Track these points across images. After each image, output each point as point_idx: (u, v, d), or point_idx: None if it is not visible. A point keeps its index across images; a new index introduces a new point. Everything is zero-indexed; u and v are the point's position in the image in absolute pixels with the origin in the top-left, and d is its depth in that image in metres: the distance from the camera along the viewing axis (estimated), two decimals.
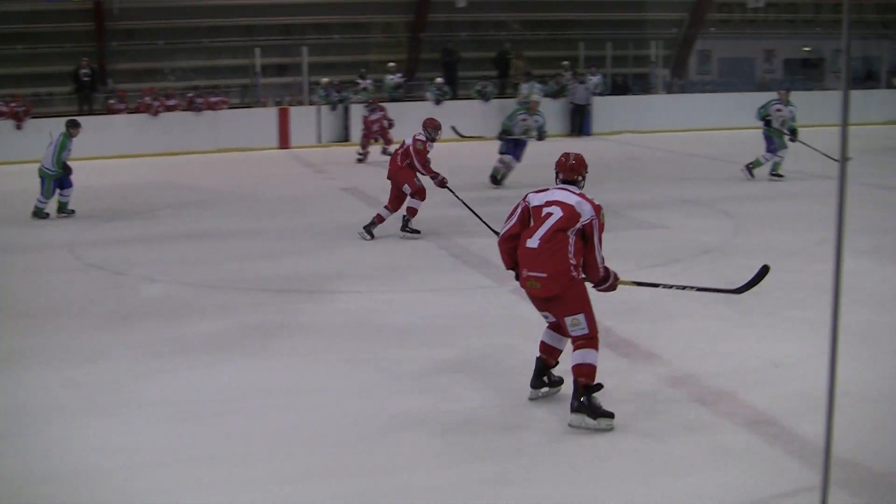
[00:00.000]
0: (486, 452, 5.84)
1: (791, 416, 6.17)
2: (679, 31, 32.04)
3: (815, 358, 5.97)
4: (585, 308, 6.24)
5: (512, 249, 6.45)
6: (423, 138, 12.62)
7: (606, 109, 27.07)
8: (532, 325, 7.09)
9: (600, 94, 27.20)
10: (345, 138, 25.04)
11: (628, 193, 15.68)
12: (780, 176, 17.17)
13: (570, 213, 6.22)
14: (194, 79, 27.40)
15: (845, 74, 4.45)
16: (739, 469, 5.50)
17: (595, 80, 27.33)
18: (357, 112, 24.23)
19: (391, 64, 27.44)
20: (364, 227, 12.55)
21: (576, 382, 6.19)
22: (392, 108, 22.71)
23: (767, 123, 17.26)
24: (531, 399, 6.64)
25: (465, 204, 12.09)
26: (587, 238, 6.23)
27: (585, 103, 26.48)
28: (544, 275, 6.20)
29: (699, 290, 7.22)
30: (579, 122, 26.48)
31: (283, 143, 24.67)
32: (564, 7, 30.64)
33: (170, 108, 24.04)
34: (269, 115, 24.95)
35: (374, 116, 21.91)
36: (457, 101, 26.60)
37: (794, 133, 17.14)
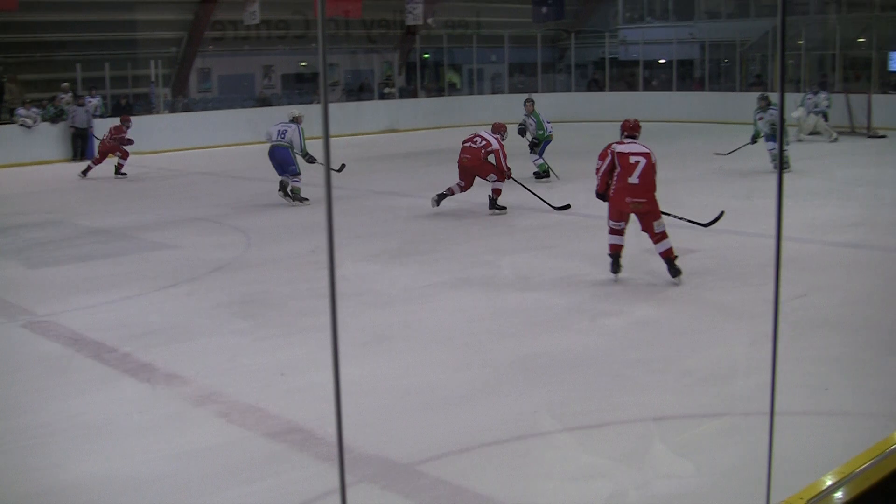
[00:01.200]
0: None
1: (316, 421, 6.28)
2: (178, 49, 31.84)
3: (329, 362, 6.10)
4: (660, 216, 9.91)
5: (606, 183, 10.15)
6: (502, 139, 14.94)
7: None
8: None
9: (100, 117, 26.35)
10: None
11: (137, 215, 15.32)
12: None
13: (651, 159, 9.98)
14: None
15: (323, 89, 4.55)
16: (272, 480, 5.52)
17: (94, 101, 26.47)
18: None
19: None
20: (437, 195, 14.81)
21: (668, 260, 9.89)
22: None
23: None
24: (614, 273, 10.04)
25: (528, 189, 14.91)
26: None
27: (86, 126, 25.55)
28: (645, 200, 9.88)
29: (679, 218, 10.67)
30: (81, 146, 25.50)
31: None
32: (57, 28, 29.37)
33: None
34: None
35: None
36: None
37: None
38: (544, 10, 27.46)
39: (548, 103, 32.75)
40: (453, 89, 37.23)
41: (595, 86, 37.04)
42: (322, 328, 8.44)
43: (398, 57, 36.18)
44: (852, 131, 26.06)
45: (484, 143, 14.77)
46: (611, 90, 35.53)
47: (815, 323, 8.31)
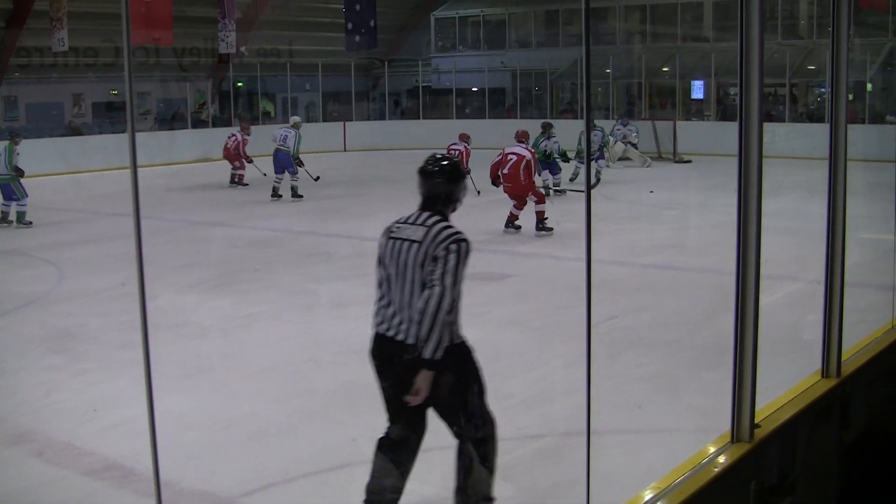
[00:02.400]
0: None
1: (135, 457, 6.16)
2: None
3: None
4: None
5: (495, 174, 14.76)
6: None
7: None
8: None
9: None
10: None
11: None
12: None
13: (522, 158, 14.39)
14: None
15: (130, 118, 4.53)
16: None
17: None
18: None
19: None
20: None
21: (538, 220, 14.19)
22: None
23: None
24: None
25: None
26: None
27: None
28: (510, 185, 14.54)
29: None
30: None
31: None
32: None
33: None
34: None
35: None
36: None
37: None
38: (357, 38, 27.59)
39: (362, 132, 33.08)
40: (268, 118, 37.00)
41: (409, 114, 37.46)
42: (139, 361, 8.24)
43: (211, 85, 35.74)
44: (659, 157, 27.10)
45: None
46: (424, 118, 35.97)
47: (628, 343, 8.62)
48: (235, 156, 22.85)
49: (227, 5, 30.73)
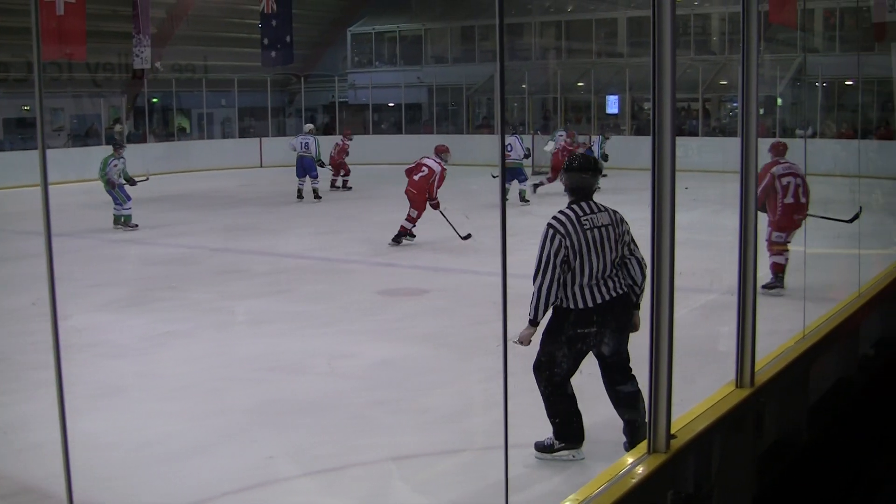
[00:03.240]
0: None
1: (48, 479, 6.00)
2: None
3: None
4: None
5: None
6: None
7: None
8: None
9: None
10: None
11: None
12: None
13: (433, 171, 14.65)
14: None
15: (40, 134, 4.47)
16: None
17: None
18: None
19: None
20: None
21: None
22: None
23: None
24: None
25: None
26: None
27: None
28: (414, 191, 14.50)
29: None
30: None
31: None
32: None
33: None
34: None
35: None
36: None
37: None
38: (273, 54, 27.49)
39: (278, 148, 32.87)
40: (183, 134, 36.65)
41: (325, 130, 37.38)
42: (52, 382, 8.11)
43: (126, 101, 35.29)
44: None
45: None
46: (341, 134, 35.93)
47: None
48: (340, 163, 24.60)
49: (142, 20, 30.44)
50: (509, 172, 19.74)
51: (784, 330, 7.07)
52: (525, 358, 8.36)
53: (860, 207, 11.12)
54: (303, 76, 38.36)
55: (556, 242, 6.04)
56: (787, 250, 11.07)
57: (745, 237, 5.61)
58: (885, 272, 9.56)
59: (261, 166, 33.17)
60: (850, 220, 11.14)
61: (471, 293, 11.53)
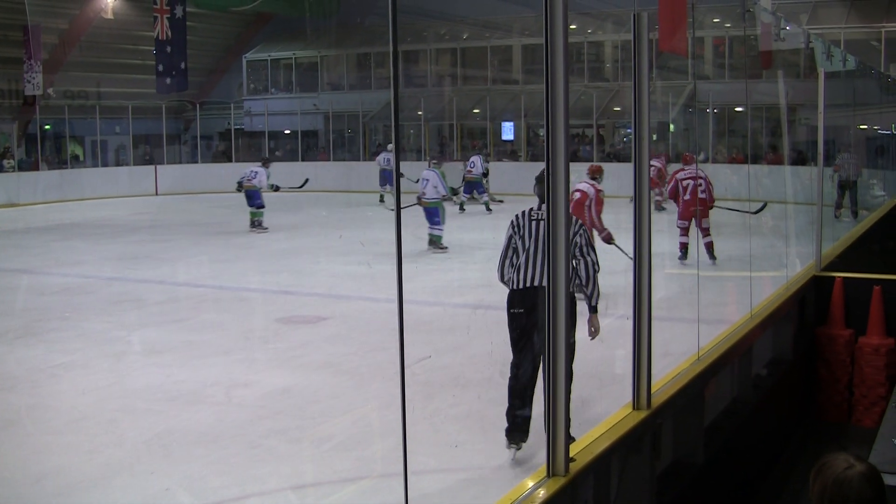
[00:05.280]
0: None
1: None
2: None
3: None
4: None
5: None
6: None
7: None
8: None
9: None
10: None
11: None
12: None
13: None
14: None
15: None
16: None
17: None
18: None
19: None
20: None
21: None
22: None
23: None
24: None
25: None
26: None
27: None
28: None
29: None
30: None
31: None
32: None
33: None
34: None
35: None
36: None
37: None
38: (168, 80, 27.23)
39: (173, 175, 32.53)
40: (76, 161, 36.00)
41: (222, 157, 37.06)
42: None
43: (17, 128, 34.54)
44: (471, 197, 27.51)
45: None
46: (237, 161, 35.65)
47: (443, 383, 8.67)
48: None
49: (33, 45, 29.92)
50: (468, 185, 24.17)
51: (679, 352, 7.17)
52: (424, 385, 8.40)
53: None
54: (198, 103, 38.03)
55: (508, 230, 7.01)
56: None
57: (639, 261, 5.69)
58: (775, 293, 9.77)
59: (156, 194, 32.73)
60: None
61: (368, 320, 11.51)
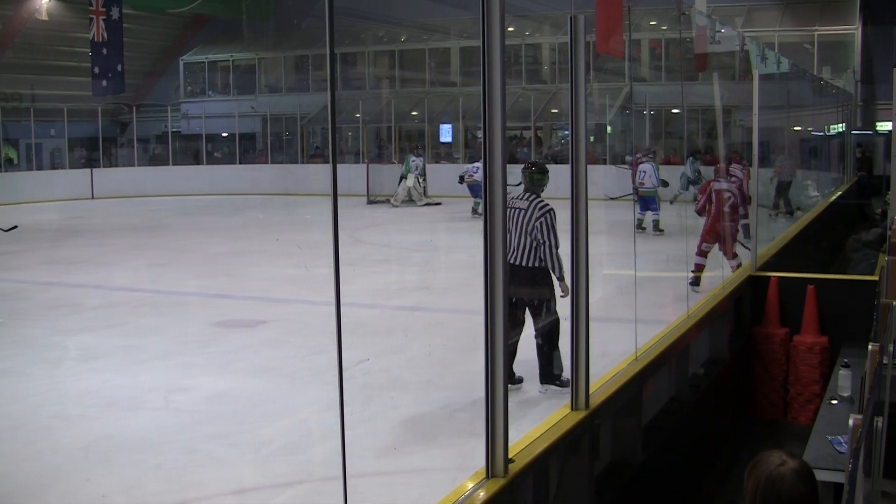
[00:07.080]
0: None
1: None
2: None
3: None
4: None
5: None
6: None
7: None
8: None
9: None
10: None
11: None
12: None
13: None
14: None
15: None
16: None
17: None
18: None
19: None
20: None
21: None
22: None
23: None
24: None
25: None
26: None
27: None
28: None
29: None
30: None
31: None
32: None
33: None
34: None
35: None
36: None
37: None
38: (104, 83, 26.88)
39: (110, 179, 32.14)
40: (11, 165, 35.43)
41: (158, 160, 36.71)
42: None
43: None
44: (409, 199, 27.54)
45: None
46: (174, 164, 35.35)
47: (382, 386, 8.66)
48: None
49: None
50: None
51: (617, 352, 7.23)
52: (363, 388, 8.38)
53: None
54: (135, 105, 37.65)
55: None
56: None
57: (577, 263, 5.73)
58: (711, 294, 9.89)
59: (92, 198, 32.32)
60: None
61: (306, 323, 11.46)
